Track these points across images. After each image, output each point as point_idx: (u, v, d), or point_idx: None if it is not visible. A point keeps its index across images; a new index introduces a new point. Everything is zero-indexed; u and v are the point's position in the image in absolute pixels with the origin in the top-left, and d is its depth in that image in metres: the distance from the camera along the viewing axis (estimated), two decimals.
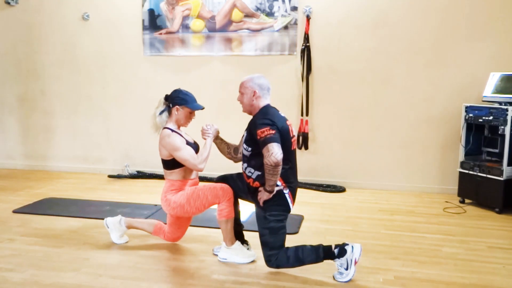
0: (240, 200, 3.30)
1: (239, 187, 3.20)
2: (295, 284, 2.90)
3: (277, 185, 2.95)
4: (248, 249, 3.31)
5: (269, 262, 3.00)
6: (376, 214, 4.39)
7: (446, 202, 4.79)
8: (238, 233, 3.30)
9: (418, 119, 5.16)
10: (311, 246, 2.97)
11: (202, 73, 5.67)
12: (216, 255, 3.32)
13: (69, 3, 5.92)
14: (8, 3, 6.04)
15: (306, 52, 5.29)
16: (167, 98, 3.30)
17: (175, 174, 3.28)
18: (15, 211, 4.35)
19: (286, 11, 5.36)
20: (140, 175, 5.84)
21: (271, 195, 2.93)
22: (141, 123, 5.83)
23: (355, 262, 2.88)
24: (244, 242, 3.34)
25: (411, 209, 4.58)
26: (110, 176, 5.87)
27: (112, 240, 3.56)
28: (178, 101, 3.26)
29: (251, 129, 2.97)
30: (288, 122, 3.04)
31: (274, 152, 2.77)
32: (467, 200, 4.78)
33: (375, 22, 5.16)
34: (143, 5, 5.72)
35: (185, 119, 3.31)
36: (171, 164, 3.26)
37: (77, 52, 5.99)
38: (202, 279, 2.98)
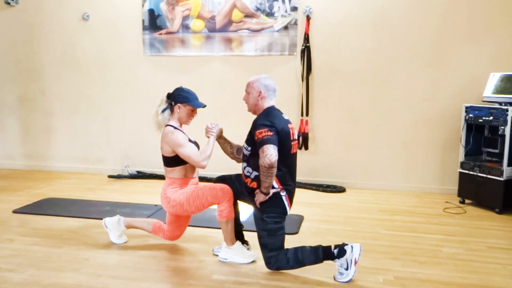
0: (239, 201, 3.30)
1: (238, 188, 3.20)
2: (295, 284, 2.90)
3: (274, 187, 2.95)
4: (248, 249, 3.31)
5: (269, 264, 3.01)
6: (376, 214, 4.39)
7: (446, 202, 4.79)
8: (237, 233, 3.31)
9: (418, 120, 5.16)
10: (311, 247, 2.97)
11: (202, 73, 5.67)
12: (216, 255, 3.32)
13: (69, 3, 5.93)
14: (8, 3, 6.04)
15: (306, 52, 5.29)
16: (169, 96, 3.31)
17: (176, 172, 3.28)
18: (15, 211, 4.35)
19: (286, 11, 5.36)
20: (140, 175, 5.84)
21: (267, 197, 2.93)
22: (141, 123, 5.84)
23: (355, 262, 2.88)
24: (244, 242, 3.34)
25: (411, 209, 4.58)
26: (110, 176, 5.87)
27: (111, 240, 3.56)
28: (180, 99, 3.27)
29: (252, 129, 2.99)
30: (290, 125, 3.05)
31: (269, 153, 2.78)
32: (467, 201, 4.78)
33: (375, 22, 5.16)
34: (143, 5, 5.72)
35: (187, 117, 3.31)
36: (173, 161, 3.26)
37: (77, 52, 5.99)
38: (202, 279, 2.97)
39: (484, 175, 4.48)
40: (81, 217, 4.19)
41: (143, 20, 5.75)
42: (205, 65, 5.67)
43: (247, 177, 3.06)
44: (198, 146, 3.35)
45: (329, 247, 2.93)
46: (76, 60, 6.01)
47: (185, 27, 5.66)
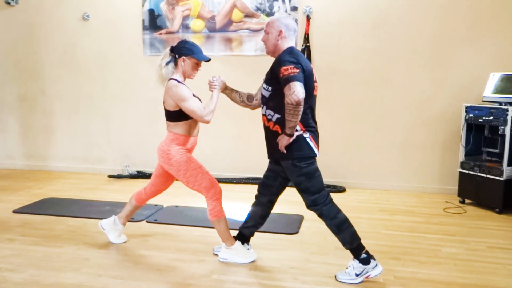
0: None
1: (272, 182, 3.11)
2: (295, 284, 2.90)
3: (297, 130, 2.83)
4: (248, 249, 3.30)
5: (315, 206, 2.91)
6: (376, 214, 4.39)
7: (446, 202, 4.79)
8: (251, 233, 3.28)
9: (418, 119, 5.16)
10: (355, 230, 2.94)
11: (202, 73, 5.63)
12: (216, 254, 3.32)
13: (69, 3, 5.92)
14: (8, 3, 6.04)
15: (306, 52, 5.29)
16: (173, 49, 3.21)
17: (179, 127, 3.18)
18: (15, 211, 4.35)
19: (286, 11, 5.36)
20: (140, 175, 5.84)
21: (291, 140, 2.80)
22: (141, 123, 5.84)
23: (367, 277, 2.89)
24: (245, 242, 3.33)
25: (411, 209, 4.58)
26: (110, 176, 5.87)
27: (111, 240, 3.56)
28: (185, 51, 3.17)
29: (274, 67, 2.86)
30: (312, 65, 2.94)
31: (297, 90, 2.64)
32: (467, 200, 4.78)
33: (375, 22, 5.16)
34: (143, 5, 5.72)
35: (192, 70, 3.21)
36: (176, 115, 3.15)
37: (77, 52, 5.99)
38: (202, 279, 2.97)
39: (484, 175, 4.48)
40: (81, 217, 4.19)
41: (143, 20, 5.75)
42: (205, 65, 5.63)
43: (269, 120, 2.92)
44: (201, 102, 3.27)
45: (363, 247, 2.92)
46: (76, 60, 6.01)
47: (185, 27, 5.66)
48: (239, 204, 4.45)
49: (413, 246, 3.56)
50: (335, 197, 4.97)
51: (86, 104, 6.07)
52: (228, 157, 5.61)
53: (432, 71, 5.07)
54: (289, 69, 2.71)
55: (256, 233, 3.40)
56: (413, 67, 5.12)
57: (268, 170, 3.16)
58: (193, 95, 3.18)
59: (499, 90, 4.53)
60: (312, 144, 2.92)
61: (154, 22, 5.72)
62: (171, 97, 3.11)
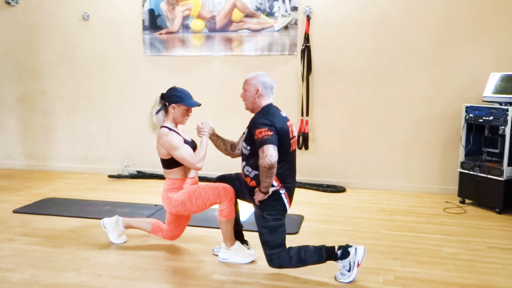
0: (239, 201, 3.30)
1: (238, 187, 3.20)
2: (295, 284, 2.90)
3: (273, 185, 2.95)
4: (248, 249, 3.30)
5: (271, 261, 2.99)
6: (376, 214, 4.39)
7: (446, 202, 4.79)
8: (237, 232, 3.30)
9: (418, 119, 5.16)
10: (314, 246, 2.96)
11: (202, 73, 5.67)
12: (216, 255, 3.32)
13: (69, 3, 5.92)
14: (8, 3, 6.03)
15: (306, 52, 5.29)
16: (163, 96, 3.29)
17: (175, 173, 3.28)
18: (15, 211, 4.35)
19: (286, 11, 5.36)
20: (140, 175, 5.84)
21: (266, 196, 2.93)
22: (141, 123, 5.80)
23: (358, 264, 2.87)
24: (244, 242, 3.34)
25: (411, 209, 4.58)
26: (110, 176, 5.87)
27: (111, 240, 3.56)
28: (174, 99, 3.24)
29: (251, 128, 2.97)
30: (288, 123, 3.03)
31: (269, 154, 2.77)
32: (467, 200, 4.78)
33: (375, 22, 5.16)
34: (143, 5, 5.72)
35: (182, 117, 3.29)
36: (170, 163, 3.26)
37: (77, 52, 5.99)
38: (202, 279, 2.97)
39: (484, 175, 4.48)
40: (81, 217, 4.19)
41: (143, 20, 5.75)
42: (205, 65, 5.67)
43: (247, 176, 3.06)
44: (195, 144, 3.35)
45: (333, 247, 2.92)
46: (76, 60, 6.01)
47: (185, 27, 5.66)
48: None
49: (413, 246, 3.56)
50: (335, 197, 5.01)
51: (86, 104, 6.07)
52: (227, 157, 5.59)
53: (432, 71, 5.07)
54: (263, 132, 2.83)
55: (256, 233, 3.39)
56: (413, 67, 5.12)
57: (237, 178, 3.24)
58: (185, 140, 3.26)
59: (499, 90, 4.53)
60: (286, 200, 3.02)
61: (154, 22, 5.72)
62: (162, 146, 3.21)
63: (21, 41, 6.12)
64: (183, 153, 3.17)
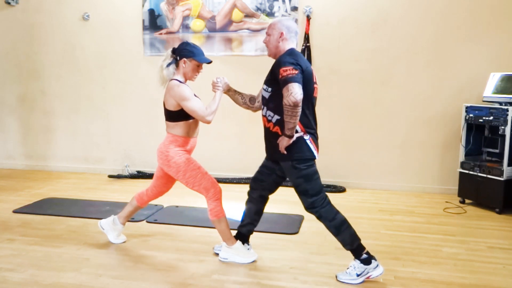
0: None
1: (266, 178, 3.13)
2: (295, 284, 2.90)
3: (297, 131, 2.84)
4: (248, 249, 3.30)
5: (314, 208, 2.93)
6: (376, 214, 4.39)
7: (446, 202, 4.79)
8: (249, 232, 3.28)
9: (418, 119, 5.16)
10: (354, 231, 2.94)
11: (202, 73, 5.64)
12: (217, 253, 3.32)
13: (69, 3, 5.92)
14: (8, 3, 6.03)
15: (306, 52, 5.29)
16: (175, 51, 3.22)
17: (179, 127, 3.18)
18: (15, 211, 4.35)
19: (286, 11, 5.36)
20: (140, 175, 5.83)
21: (291, 141, 2.81)
22: (141, 123, 5.84)
23: (368, 277, 2.89)
24: (245, 242, 3.33)
25: (411, 209, 4.58)
26: (110, 176, 5.87)
27: (110, 240, 3.56)
28: (186, 53, 3.18)
29: (274, 68, 2.88)
30: (312, 68, 2.95)
31: (294, 91, 2.66)
32: (467, 200, 4.78)
33: (375, 22, 5.16)
34: (143, 5, 5.72)
35: (192, 72, 3.23)
36: (176, 115, 3.16)
37: (77, 52, 5.99)
38: (202, 279, 2.97)
39: (484, 175, 4.48)
40: (81, 217, 4.19)
41: (143, 20, 5.75)
42: (205, 65, 5.64)
43: (269, 121, 2.93)
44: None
45: (364, 247, 2.93)
46: (76, 60, 6.01)
47: (185, 27, 5.66)
48: (239, 204, 4.44)
49: (413, 246, 3.56)
50: (335, 197, 5.00)
51: (86, 104, 6.07)
52: (228, 157, 5.61)
53: (432, 71, 5.07)
54: (288, 70, 2.73)
55: (256, 233, 3.40)
56: (413, 67, 5.12)
57: (263, 166, 3.18)
58: (195, 95, 3.18)
59: (499, 90, 4.53)
60: (312, 146, 2.94)
61: (154, 22, 5.72)
62: (173, 97, 3.11)
63: (21, 41, 6.12)
64: (194, 104, 3.09)
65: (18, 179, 5.74)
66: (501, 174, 4.34)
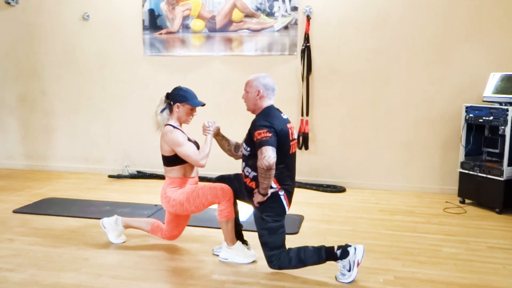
0: (238, 201, 3.30)
1: (237, 188, 3.20)
2: (295, 284, 2.90)
3: (272, 187, 2.95)
4: (248, 249, 3.30)
5: (271, 263, 3.00)
6: (376, 214, 4.39)
7: (446, 202, 4.79)
8: (237, 232, 3.30)
9: (418, 119, 5.16)
10: (313, 247, 2.96)
11: (202, 73, 5.67)
12: (216, 255, 3.32)
13: (69, 3, 5.92)
14: (8, 3, 6.03)
15: (306, 52, 5.29)
16: (168, 96, 3.32)
17: (175, 171, 3.29)
18: (15, 211, 4.35)
19: (286, 11, 5.36)
20: (140, 175, 5.84)
21: (265, 198, 2.93)
22: (141, 123, 5.84)
23: (358, 264, 2.88)
24: (244, 242, 3.34)
25: (411, 209, 4.58)
26: (110, 176, 5.87)
27: (110, 240, 3.57)
28: (179, 98, 3.27)
29: (251, 130, 2.98)
30: (289, 125, 3.03)
31: (267, 155, 2.77)
32: (467, 200, 4.78)
33: (375, 22, 5.16)
34: (143, 5, 5.72)
35: (186, 116, 3.31)
36: (172, 160, 3.26)
37: (77, 52, 5.99)
38: (202, 279, 2.97)
39: (484, 175, 4.48)
40: (81, 217, 4.19)
41: (143, 20, 5.75)
42: (205, 65, 5.67)
43: (246, 176, 3.06)
44: (198, 145, 3.36)
45: (332, 247, 2.92)
46: (76, 60, 6.01)
47: (185, 27, 5.66)
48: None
49: (413, 246, 3.56)
50: (335, 197, 5.01)
51: (86, 104, 6.07)
52: (228, 157, 5.60)
53: (432, 71, 5.07)
54: (262, 133, 2.84)
55: (256, 233, 3.39)
56: (413, 67, 5.12)
57: (237, 178, 3.23)
58: (189, 139, 3.28)
59: (499, 90, 4.53)
60: (284, 202, 3.02)
61: (154, 22, 5.72)
62: (167, 143, 3.22)
63: (21, 41, 6.12)
64: (187, 149, 3.19)
65: (18, 179, 5.74)
66: (501, 174, 4.34)
